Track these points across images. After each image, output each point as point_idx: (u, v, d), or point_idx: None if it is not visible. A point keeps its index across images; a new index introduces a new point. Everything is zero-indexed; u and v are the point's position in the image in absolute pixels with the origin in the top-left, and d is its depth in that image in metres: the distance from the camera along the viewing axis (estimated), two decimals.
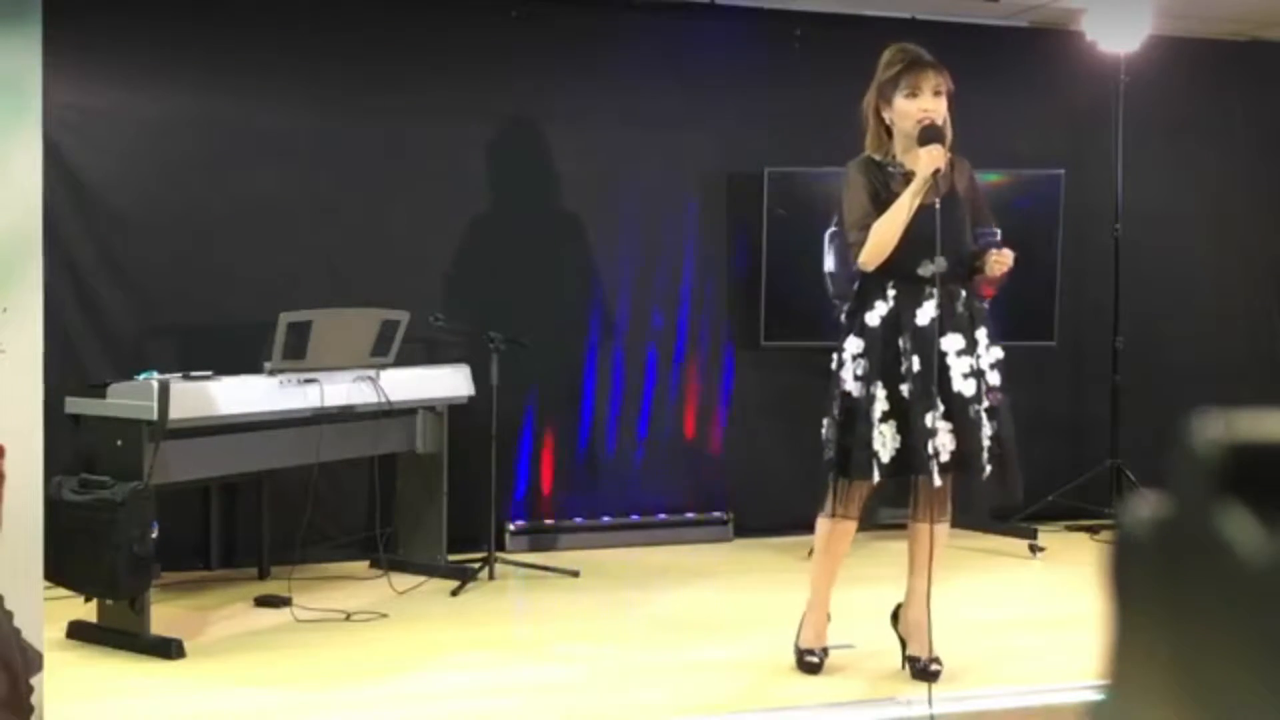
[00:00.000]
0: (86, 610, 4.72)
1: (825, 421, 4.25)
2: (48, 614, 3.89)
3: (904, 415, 4.10)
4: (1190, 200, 7.34)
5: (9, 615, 2.83)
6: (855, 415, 4.14)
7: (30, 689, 2.80)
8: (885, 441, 4.11)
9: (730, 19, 6.72)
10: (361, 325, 5.55)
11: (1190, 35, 7.16)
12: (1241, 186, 7.47)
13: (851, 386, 4.16)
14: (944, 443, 4.09)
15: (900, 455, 4.11)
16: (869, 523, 6.31)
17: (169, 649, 4.58)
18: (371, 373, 5.45)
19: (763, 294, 6.57)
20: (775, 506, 6.49)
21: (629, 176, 6.62)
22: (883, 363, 4.11)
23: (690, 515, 6.68)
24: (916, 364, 4.09)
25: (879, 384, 4.11)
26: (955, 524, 6.60)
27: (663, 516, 6.65)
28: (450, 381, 5.88)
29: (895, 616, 4.39)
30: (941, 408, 4.09)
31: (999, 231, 4.38)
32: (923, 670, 4.27)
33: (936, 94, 4.11)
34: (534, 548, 6.30)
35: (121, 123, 5.91)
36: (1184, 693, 0.58)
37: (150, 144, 5.96)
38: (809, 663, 4.40)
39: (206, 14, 6.04)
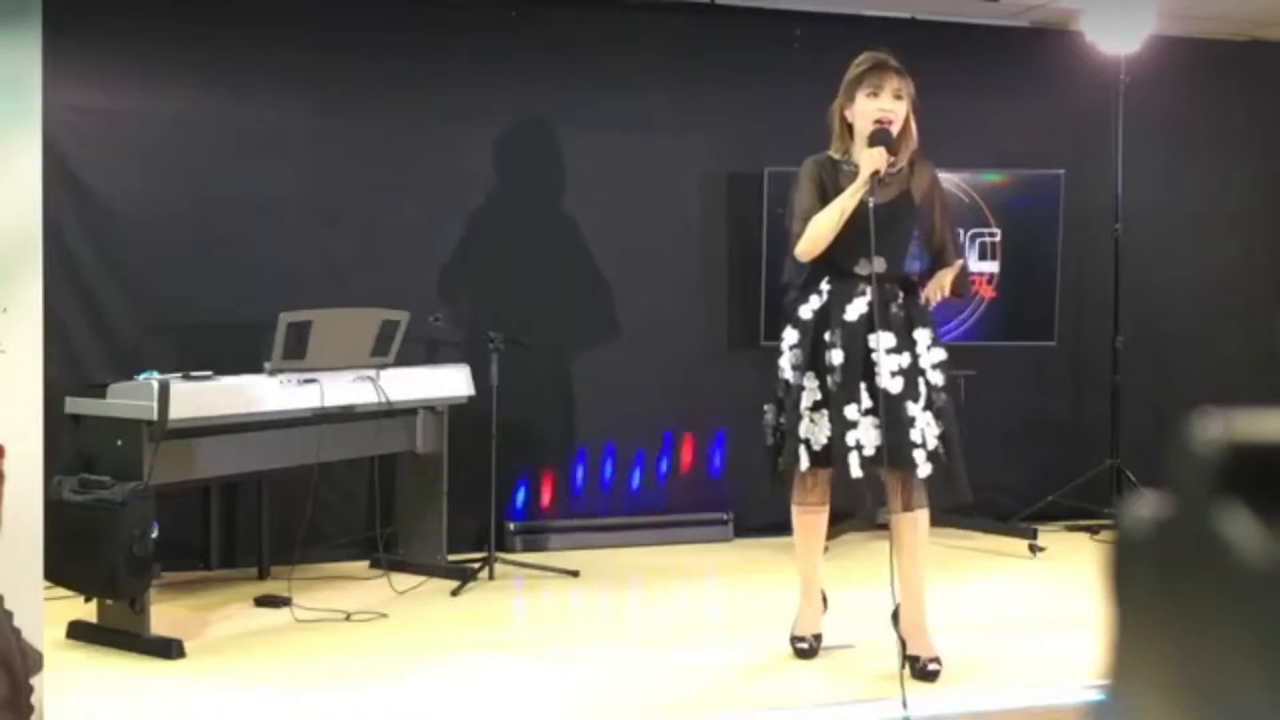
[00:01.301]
0: (86, 610, 4.72)
1: (766, 408, 4.45)
2: (48, 614, 3.88)
3: (830, 406, 4.27)
4: (1190, 200, 7.34)
5: (9, 615, 2.83)
6: (789, 404, 4.34)
7: (30, 689, 2.79)
8: (815, 431, 4.28)
9: (730, 19, 6.72)
10: (361, 325, 5.55)
11: (1190, 35, 7.16)
12: (1241, 186, 7.47)
13: (789, 375, 4.36)
14: (868, 437, 4.21)
15: (828, 445, 4.27)
16: (872, 522, 6.34)
17: (169, 649, 4.58)
18: (371, 373, 5.45)
19: (762, 294, 6.57)
20: (775, 506, 6.45)
21: (629, 176, 6.62)
22: (812, 354, 4.30)
23: (690, 515, 6.68)
24: (839, 357, 4.24)
25: (810, 374, 4.30)
26: (960, 525, 6.67)
27: (663, 516, 6.65)
28: (450, 381, 5.88)
29: (895, 616, 4.40)
30: (868, 402, 4.21)
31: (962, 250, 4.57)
32: (922, 670, 4.27)
33: (897, 97, 4.30)
34: (534, 548, 6.30)
35: (121, 123, 5.91)
36: (1184, 693, 0.58)
37: (150, 144, 5.96)
38: (798, 649, 4.55)
39: (206, 14, 6.04)
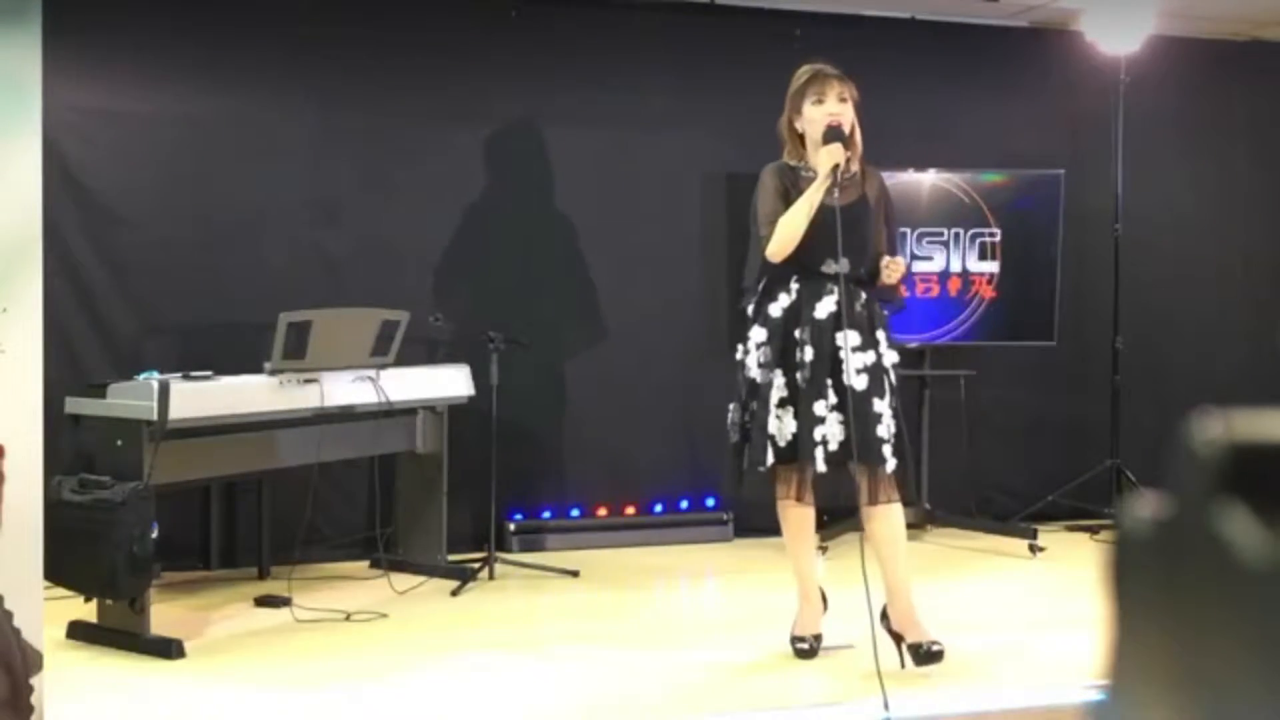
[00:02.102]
0: (86, 610, 4.72)
1: (731, 407, 4.53)
2: (48, 614, 3.88)
3: (798, 402, 4.35)
4: (1190, 200, 7.34)
5: (9, 615, 2.83)
6: (756, 401, 4.42)
7: (30, 689, 2.79)
8: (780, 427, 4.37)
9: (730, 19, 6.72)
10: (361, 325, 5.55)
11: (1190, 35, 7.16)
12: (1241, 186, 7.47)
13: (755, 373, 4.45)
14: (832, 432, 4.31)
15: (794, 440, 4.35)
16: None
17: (169, 649, 4.58)
18: (371, 373, 5.45)
19: None
20: (775, 506, 6.48)
21: (629, 176, 6.62)
22: (782, 352, 4.40)
23: (690, 515, 6.68)
24: (810, 354, 4.35)
25: (779, 371, 4.39)
26: (960, 525, 6.67)
27: (662, 516, 6.65)
28: (450, 381, 5.88)
29: (884, 615, 4.41)
30: (834, 399, 4.32)
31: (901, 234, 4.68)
32: (926, 654, 4.29)
33: (842, 100, 4.42)
34: (534, 547, 6.30)
35: (121, 123, 5.91)
36: (1184, 693, 0.58)
37: (150, 144, 5.96)
38: (798, 649, 4.59)
39: (206, 14, 6.04)
